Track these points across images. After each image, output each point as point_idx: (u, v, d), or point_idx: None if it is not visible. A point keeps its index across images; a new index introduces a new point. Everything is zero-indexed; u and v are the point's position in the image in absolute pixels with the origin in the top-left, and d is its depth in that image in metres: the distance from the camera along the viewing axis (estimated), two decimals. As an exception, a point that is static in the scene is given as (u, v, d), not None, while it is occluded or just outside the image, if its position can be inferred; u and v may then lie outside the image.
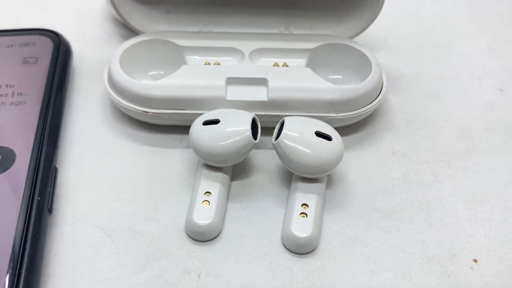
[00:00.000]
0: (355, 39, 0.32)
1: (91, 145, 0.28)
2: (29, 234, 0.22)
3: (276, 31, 0.32)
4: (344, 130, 0.29)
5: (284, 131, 0.25)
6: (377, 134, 0.30)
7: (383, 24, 0.33)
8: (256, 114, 0.26)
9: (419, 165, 0.28)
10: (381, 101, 0.29)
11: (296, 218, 0.24)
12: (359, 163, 0.28)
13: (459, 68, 0.34)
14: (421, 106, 0.32)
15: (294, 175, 0.26)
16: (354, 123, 0.29)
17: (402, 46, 0.36)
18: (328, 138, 0.25)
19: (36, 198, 0.23)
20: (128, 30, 0.33)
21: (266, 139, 0.28)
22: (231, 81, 0.28)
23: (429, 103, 0.32)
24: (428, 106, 0.32)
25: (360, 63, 0.30)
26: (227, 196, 0.26)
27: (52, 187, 0.24)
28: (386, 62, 0.34)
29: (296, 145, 0.25)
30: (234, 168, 0.27)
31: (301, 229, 0.24)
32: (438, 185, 0.27)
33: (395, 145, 0.29)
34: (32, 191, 0.23)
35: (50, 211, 0.24)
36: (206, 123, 0.26)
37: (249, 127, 0.25)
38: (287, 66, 0.30)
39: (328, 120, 0.28)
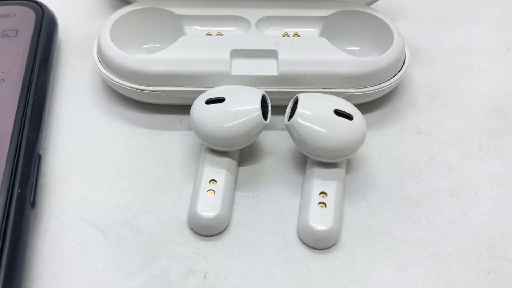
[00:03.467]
0: (373, 6, 0.29)
1: (79, 128, 0.25)
2: (8, 232, 0.19)
3: (284, -4, 0.29)
4: (363, 107, 0.26)
5: (298, 109, 0.22)
6: (399, 112, 0.27)
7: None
8: (265, 91, 0.23)
9: (447, 146, 0.25)
10: (403, 75, 0.26)
11: (314, 208, 0.21)
12: (381, 145, 0.25)
13: (485, 39, 0.31)
14: (445, 81, 0.28)
15: (309, 159, 0.23)
16: (374, 99, 0.26)
17: (421, 14, 0.32)
18: (349, 117, 0.22)
19: (16, 190, 0.20)
20: (122, 0, 0.30)
21: (277, 118, 0.25)
22: (236, 53, 0.25)
23: (454, 77, 0.29)
24: (453, 81, 0.29)
25: (380, 33, 0.27)
26: (235, 184, 0.23)
27: (35, 177, 0.21)
28: (405, 32, 0.30)
29: (312, 126, 0.22)
30: (241, 152, 0.24)
31: (320, 221, 0.21)
32: (469, 168, 0.24)
33: (419, 124, 0.26)
34: (11, 182, 0.20)
35: (33, 205, 0.21)
36: (210, 101, 0.23)
37: (258, 105, 0.22)
38: (299, 36, 0.27)
39: (346, 97, 0.25)
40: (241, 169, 0.24)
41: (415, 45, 0.30)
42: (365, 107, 0.26)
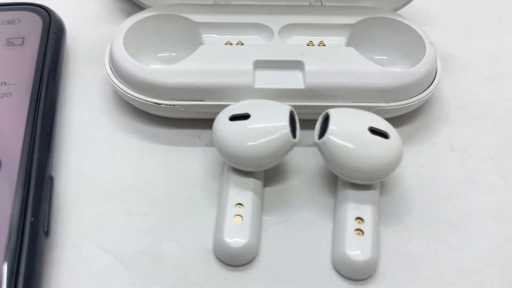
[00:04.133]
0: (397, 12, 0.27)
1: (91, 145, 0.23)
2: (21, 265, 0.17)
3: (306, 2, 0.27)
4: (391, 122, 0.24)
5: (330, 127, 0.21)
6: (431, 126, 0.25)
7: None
8: (290, 105, 0.22)
9: (483, 164, 0.24)
10: (436, 88, 0.25)
11: (351, 236, 0.20)
12: (415, 162, 0.24)
13: (516, 45, 0.30)
14: (476, 92, 0.27)
15: (340, 179, 0.22)
16: (404, 113, 0.25)
17: (447, 21, 0.31)
18: (385, 135, 0.21)
19: (29, 218, 0.18)
20: (130, 4, 0.28)
21: (303, 134, 0.23)
22: (260, 64, 0.23)
23: (486, 88, 0.27)
24: (485, 92, 0.27)
25: (409, 42, 0.26)
26: (262, 208, 0.21)
27: (48, 202, 0.19)
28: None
29: (347, 145, 0.20)
30: (266, 171, 0.22)
31: (358, 250, 0.19)
32: (508, 188, 0.23)
33: (452, 140, 0.25)
34: (23, 210, 0.19)
35: (47, 233, 0.19)
36: (234, 118, 0.21)
37: (287, 122, 0.21)
38: (324, 45, 0.26)
39: (376, 111, 0.23)
40: (266, 189, 0.22)
41: (442, 54, 0.29)
42: (394, 121, 0.24)
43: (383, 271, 0.20)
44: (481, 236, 0.21)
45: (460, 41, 0.30)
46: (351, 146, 0.20)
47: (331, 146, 0.20)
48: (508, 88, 0.27)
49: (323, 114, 0.22)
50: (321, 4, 0.27)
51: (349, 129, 0.21)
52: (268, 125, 0.21)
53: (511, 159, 0.24)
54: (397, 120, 0.25)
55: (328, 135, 0.21)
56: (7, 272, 0.17)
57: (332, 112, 0.21)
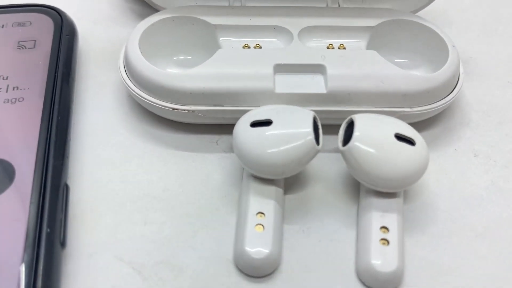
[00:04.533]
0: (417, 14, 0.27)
1: (106, 151, 0.23)
2: (38, 279, 0.17)
3: (323, 4, 0.26)
4: (414, 127, 0.24)
5: (356, 133, 0.20)
6: (453, 131, 0.25)
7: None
8: (311, 110, 0.21)
9: (508, 170, 0.23)
10: (459, 92, 0.24)
11: (376, 246, 0.19)
12: (438, 168, 0.23)
13: (537, 48, 0.29)
14: (498, 96, 0.26)
15: (363, 186, 0.21)
16: (426, 118, 0.24)
17: (466, 22, 0.30)
18: (411, 142, 0.20)
19: (45, 229, 0.18)
20: (144, 6, 0.28)
21: (324, 139, 0.23)
22: (280, 68, 0.23)
23: (507, 92, 0.27)
24: (506, 96, 0.26)
25: (431, 45, 0.25)
26: (283, 216, 0.21)
27: (64, 212, 0.19)
28: (450, 41, 0.28)
29: (373, 152, 0.20)
30: (286, 179, 0.22)
31: (384, 260, 0.19)
32: (534, 194, 0.22)
33: (475, 145, 0.24)
34: (39, 220, 0.18)
35: (63, 244, 0.18)
36: (255, 124, 0.20)
37: (310, 129, 0.20)
38: (344, 48, 0.25)
39: (400, 116, 0.22)
40: (287, 197, 0.22)
41: (462, 57, 0.28)
42: (415, 126, 0.24)
43: (409, 280, 0.19)
44: (509, 245, 0.21)
45: (479, 44, 0.29)
46: (377, 153, 0.20)
47: (356, 153, 0.20)
48: (531, 92, 0.27)
49: (346, 120, 0.21)
50: (339, 5, 0.26)
51: (375, 136, 0.20)
52: (291, 131, 0.20)
53: (536, 165, 0.23)
54: (418, 125, 0.24)
55: (354, 142, 0.20)
56: (25, 285, 0.16)
57: (357, 118, 0.21)
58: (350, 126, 0.21)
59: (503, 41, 0.29)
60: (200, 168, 0.23)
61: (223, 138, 0.24)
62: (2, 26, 0.25)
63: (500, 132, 0.25)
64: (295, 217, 0.21)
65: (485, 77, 0.27)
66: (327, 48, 0.25)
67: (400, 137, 0.20)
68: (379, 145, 0.20)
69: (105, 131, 0.24)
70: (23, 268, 0.17)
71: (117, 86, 0.25)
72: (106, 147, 0.23)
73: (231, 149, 0.23)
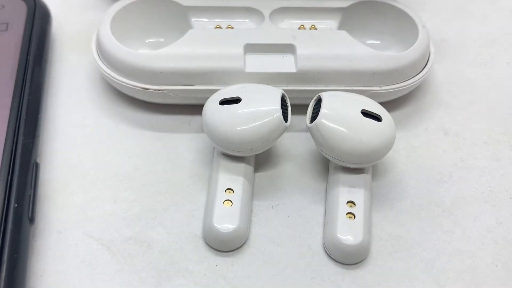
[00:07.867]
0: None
1: (78, 131, 0.23)
2: (5, 252, 0.17)
3: (296, -14, 0.27)
4: (386, 106, 0.24)
5: (322, 110, 0.20)
6: (424, 111, 0.25)
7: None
8: (281, 89, 0.21)
9: (476, 147, 0.24)
10: (429, 71, 0.24)
11: (342, 220, 0.20)
12: (408, 147, 0.23)
13: (510, 28, 0.29)
14: (469, 76, 0.27)
15: (332, 163, 0.22)
16: (396, 98, 0.24)
17: (439, 4, 0.30)
18: (378, 118, 0.20)
19: (13, 204, 0.18)
20: (118, -11, 0.28)
21: (294, 119, 0.23)
22: (250, 48, 0.23)
23: (479, 72, 0.27)
24: (478, 76, 0.27)
25: (402, 26, 0.25)
26: (252, 193, 0.21)
27: (33, 188, 0.19)
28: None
29: (339, 128, 0.20)
30: (257, 157, 0.22)
31: (350, 234, 0.19)
32: (502, 171, 0.23)
33: (446, 124, 0.24)
34: (7, 195, 0.18)
35: (32, 220, 0.18)
36: (224, 102, 0.21)
37: (278, 106, 0.20)
38: (316, 29, 0.25)
39: (369, 95, 0.23)
40: (257, 175, 0.22)
41: (435, 38, 0.28)
42: (387, 105, 0.24)
43: (375, 255, 0.20)
44: (474, 220, 0.21)
45: (452, 25, 0.29)
46: (343, 129, 0.20)
47: (323, 130, 0.20)
48: (501, 71, 0.27)
49: (315, 97, 0.21)
50: (311, -13, 0.27)
51: (341, 112, 0.20)
52: (259, 109, 0.20)
53: (504, 143, 0.24)
54: (390, 105, 0.24)
55: (320, 118, 0.20)
56: (-10, 258, 0.16)
57: (325, 95, 0.21)
58: (318, 103, 0.21)
59: (474, 22, 0.29)
60: (172, 148, 0.23)
61: (195, 119, 0.24)
62: (-25, 10, 0.25)
63: (471, 111, 0.25)
64: (265, 194, 0.21)
65: (457, 57, 0.28)
66: (298, 28, 0.25)
67: (366, 114, 0.20)
68: (345, 121, 0.20)
69: (78, 112, 0.24)
70: (-11, 241, 0.17)
71: (90, 68, 0.25)
72: (79, 128, 0.23)
73: (203, 129, 0.23)
